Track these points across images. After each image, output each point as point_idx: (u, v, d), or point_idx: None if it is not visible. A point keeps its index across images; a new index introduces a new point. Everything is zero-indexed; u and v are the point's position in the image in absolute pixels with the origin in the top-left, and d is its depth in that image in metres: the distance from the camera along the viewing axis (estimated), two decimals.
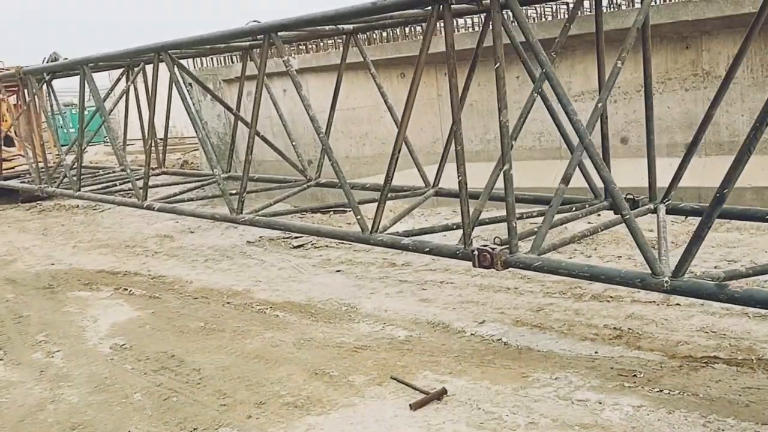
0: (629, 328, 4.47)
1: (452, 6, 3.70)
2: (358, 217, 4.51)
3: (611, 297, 5.00)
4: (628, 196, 4.58)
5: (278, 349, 4.77)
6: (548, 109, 4.77)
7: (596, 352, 4.20)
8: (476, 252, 3.82)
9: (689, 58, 6.90)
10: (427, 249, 4.12)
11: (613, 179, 3.39)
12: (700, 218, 5.74)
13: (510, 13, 5.13)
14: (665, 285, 3.13)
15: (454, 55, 3.74)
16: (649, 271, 3.21)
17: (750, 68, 6.63)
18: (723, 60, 6.78)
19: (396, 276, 6.20)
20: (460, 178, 3.86)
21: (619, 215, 4.57)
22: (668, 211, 4.45)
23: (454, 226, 4.67)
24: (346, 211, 8.18)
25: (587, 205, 4.68)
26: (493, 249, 3.76)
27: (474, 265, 3.86)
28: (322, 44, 9.38)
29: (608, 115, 7.84)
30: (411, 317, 5.12)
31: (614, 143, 7.41)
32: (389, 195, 5.02)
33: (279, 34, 4.80)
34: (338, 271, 6.62)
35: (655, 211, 4.46)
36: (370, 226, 4.53)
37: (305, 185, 6.62)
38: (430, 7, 3.80)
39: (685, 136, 7.00)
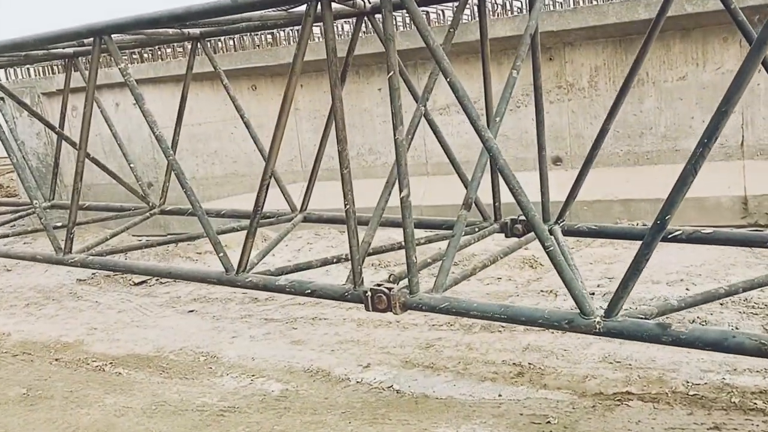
0: (530, 363, 4.08)
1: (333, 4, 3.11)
2: (221, 254, 3.78)
3: (502, 327, 4.61)
4: (521, 218, 4.22)
5: (124, 420, 3.91)
6: (429, 123, 4.30)
7: (500, 395, 3.76)
8: (369, 293, 3.23)
9: (553, 70, 6.77)
10: (309, 291, 3.47)
11: (533, 207, 2.93)
12: (595, 239, 5.47)
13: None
14: (598, 326, 2.71)
15: (337, 62, 3.14)
16: (578, 311, 2.78)
17: (612, 81, 6.60)
18: (586, 72, 6.72)
19: (260, 314, 5.48)
20: (348, 206, 3.26)
21: (514, 238, 4.25)
22: (564, 233, 4.11)
23: (334, 260, 4.06)
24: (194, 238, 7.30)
25: (477, 229, 4.25)
26: (389, 289, 3.19)
27: (367, 309, 3.26)
28: (159, 52, 8.44)
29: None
30: (284, 365, 4.43)
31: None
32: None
33: (113, 37, 3.97)
34: (191, 311, 5.78)
35: (550, 232, 4.10)
36: (235, 264, 3.81)
37: (148, 213, 5.71)
38: (305, 6, 3.17)
39: (551, 148, 6.87)
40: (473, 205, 3.41)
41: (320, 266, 4.01)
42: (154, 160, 8.89)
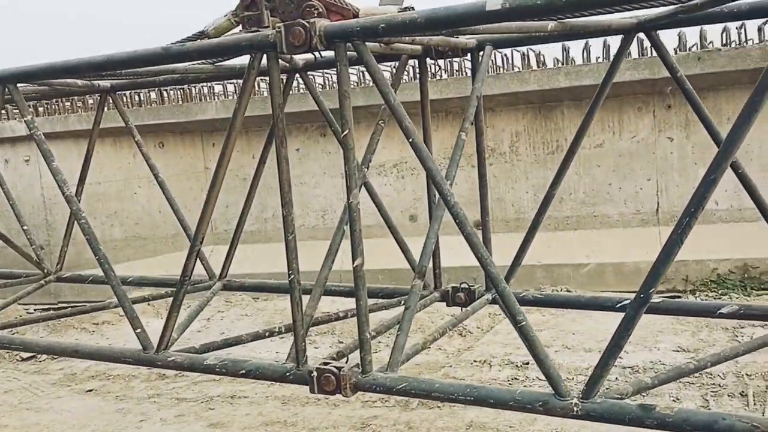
0: None
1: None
2: (138, 330, 3.34)
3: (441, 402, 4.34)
4: (463, 285, 4.04)
5: None
6: (366, 187, 4.10)
7: None
8: (315, 373, 2.89)
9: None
10: (244, 371, 3.08)
11: (502, 279, 2.73)
12: (543, 308, 5.34)
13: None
14: (575, 409, 2.50)
15: (284, 118, 2.88)
16: (552, 392, 2.56)
17: (532, 146, 6.65)
18: (507, 137, 6.75)
19: (170, 392, 4.96)
20: (293, 276, 2.95)
21: (456, 307, 4.05)
22: None
23: (267, 333, 3.69)
24: (100, 309, 6.66)
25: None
26: (339, 368, 2.87)
27: (312, 391, 2.92)
28: (57, 106, 7.86)
29: (397, 191, 7.47)
30: None
31: (402, 221, 7.00)
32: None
33: (19, 86, 3.55)
34: (90, 390, 5.17)
35: (495, 301, 3.93)
36: (154, 341, 3.38)
37: (43, 281, 5.12)
38: (249, 57, 2.91)
39: (473, 212, 6.77)
40: (418, 272, 3.21)
41: (251, 341, 3.64)
42: (46, 222, 8.18)
